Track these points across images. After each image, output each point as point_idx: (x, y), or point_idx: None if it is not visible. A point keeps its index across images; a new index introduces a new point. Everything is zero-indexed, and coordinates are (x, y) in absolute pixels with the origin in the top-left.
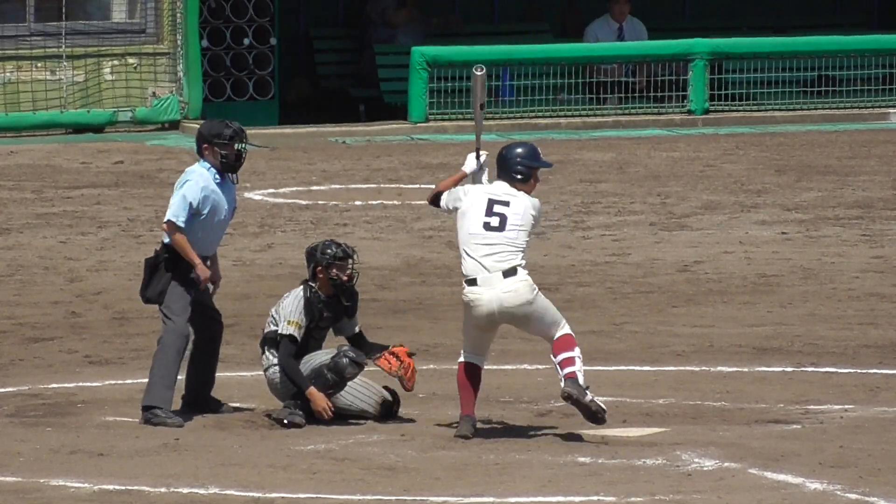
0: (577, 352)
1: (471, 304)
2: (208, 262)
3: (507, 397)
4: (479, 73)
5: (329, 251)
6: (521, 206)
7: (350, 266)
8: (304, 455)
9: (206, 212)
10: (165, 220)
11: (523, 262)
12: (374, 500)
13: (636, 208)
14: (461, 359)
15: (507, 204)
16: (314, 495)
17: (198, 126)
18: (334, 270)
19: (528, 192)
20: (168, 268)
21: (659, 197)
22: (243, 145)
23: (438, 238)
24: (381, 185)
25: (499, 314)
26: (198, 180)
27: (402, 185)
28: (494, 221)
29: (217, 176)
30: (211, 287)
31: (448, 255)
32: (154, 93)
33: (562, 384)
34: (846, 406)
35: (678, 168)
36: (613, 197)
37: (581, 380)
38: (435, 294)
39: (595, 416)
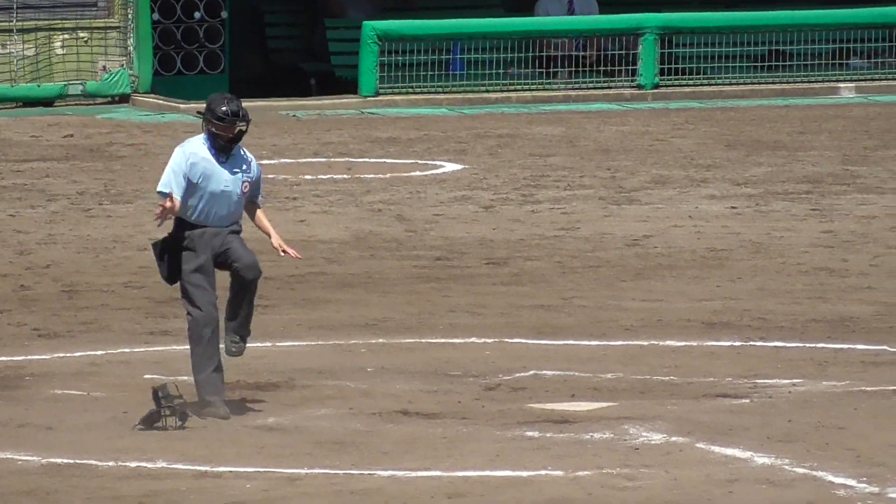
0: None
1: None
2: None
3: (456, 371)
4: None
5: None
6: None
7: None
8: (251, 429)
9: (197, 181)
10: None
11: None
12: (321, 474)
13: (586, 182)
14: None
15: None
16: (262, 469)
17: (147, 100)
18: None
19: None
20: (172, 250)
21: (608, 171)
22: (244, 126)
23: (388, 212)
24: (332, 159)
25: None
26: (185, 148)
27: (352, 159)
28: None
29: (212, 148)
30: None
31: (397, 228)
32: (105, 66)
33: None
34: (795, 380)
35: (628, 142)
36: (563, 171)
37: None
38: (384, 268)
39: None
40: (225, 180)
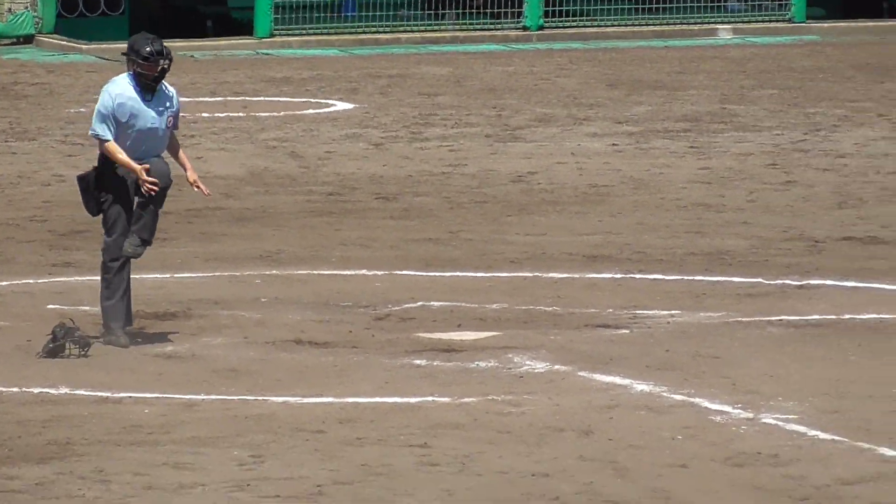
0: None
1: None
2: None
3: (347, 302)
4: None
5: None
6: None
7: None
8: (150, 357)
9: (125, 120)
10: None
11: None
12: (217, 399)
13: (472, 121)
14: None
15: None
16: (160, 395)
17: (51, 40)
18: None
19: None
20: (98, 183)
21: (494, 110)
22: (166, 63)
23: (282, 148)
24: (228, 98)
25: None
26: (111, 89)
27: (247, 98)
28: None
29: (137, 87)
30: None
31: (291, 165)
32: (10, 8)
33: None
34: (672, 311)
35: (513, 82)
36: (451, 110)
37: None
38: (278, 203)
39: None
40: (151, 117)
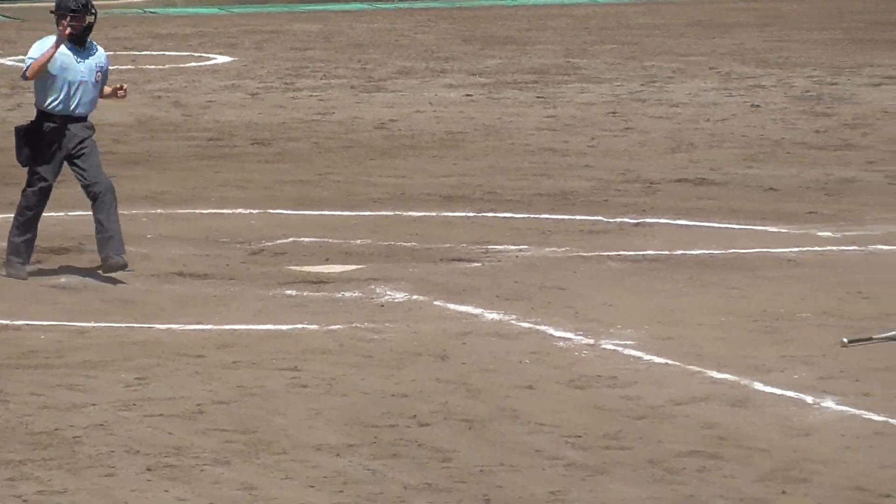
0: None
1: None
2: (77, 126)
3: (225, 238)
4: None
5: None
6: None
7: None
8: (47, 288)
9: (55, 72)
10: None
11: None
12: (107, 327)
13: (340, 73)
14: None
15: None
16: (55, 323)
17: None
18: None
19: None
20: (31, 138)
21: (360, 63)
22: (93, 18)
23: (167, 98)
24: (118, 53)
25: None
26: (43, 43)
27: (135, 53)
28: None
29: (68, 41)
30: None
31: (175, 113)
32: None
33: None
34: (521, 247)
35: (377, 38)
36: (320, 63)
37: None
38: (163, 148)
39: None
40: (81, 70)
